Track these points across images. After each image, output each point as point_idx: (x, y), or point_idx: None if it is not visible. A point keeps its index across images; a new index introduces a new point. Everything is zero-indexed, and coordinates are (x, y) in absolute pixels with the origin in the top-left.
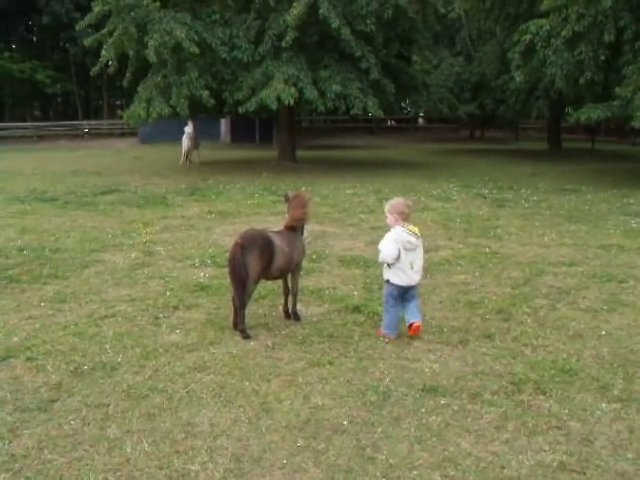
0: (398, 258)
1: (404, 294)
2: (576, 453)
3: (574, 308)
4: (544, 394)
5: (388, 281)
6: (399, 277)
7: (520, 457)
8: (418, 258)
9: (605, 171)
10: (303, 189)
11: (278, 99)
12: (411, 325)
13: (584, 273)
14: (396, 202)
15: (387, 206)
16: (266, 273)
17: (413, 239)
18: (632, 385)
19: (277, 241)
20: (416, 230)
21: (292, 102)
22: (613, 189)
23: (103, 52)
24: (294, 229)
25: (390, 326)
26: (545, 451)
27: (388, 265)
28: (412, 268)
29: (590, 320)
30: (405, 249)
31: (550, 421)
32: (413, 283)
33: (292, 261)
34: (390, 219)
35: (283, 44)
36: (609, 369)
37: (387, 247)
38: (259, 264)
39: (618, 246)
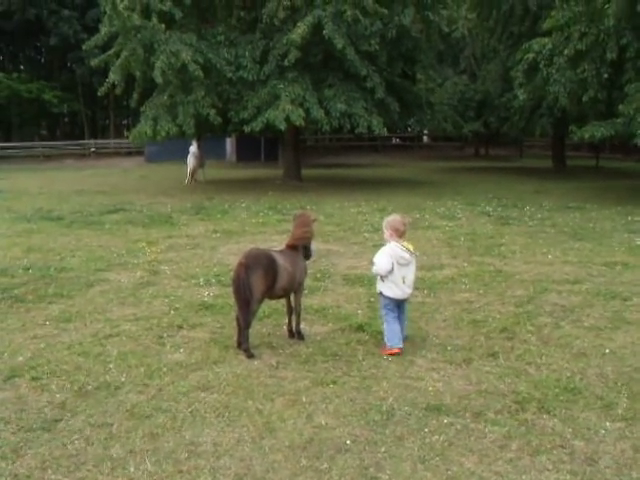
0: (391, 272)
1: (397, 307)
2: (580, 473)
3: (578, 326)
4: (548, 413)
5: (381, 293)
6: (392, 290)
7: (524, 477)
8: (410, 273)
9: (609, 188)
10: (307, 208)
11: (287, 120)
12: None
13: (588, 291)
14: (393, 219)
15: (384, 222)
16: (270, 292)
17: (407, 255)
18: (636, 404)
19: (280, 260)
20: (410, 247)
21: (302, 123)
22: (617, 206)
23: (111, 74)
24: (296, 248)
25: (393, 338)
26: (549, 470)
27: (381, 278)
28: (404, 282)
29: (594, 338)
30: (399, 264)
31: (554, 440)
32: (405, 296)
33: (295, 280)
34: (386, 234)
35: (286, 63)
36: (613, 387)
37: (381, 260)
38: (263, 283)
39: (622, 264)
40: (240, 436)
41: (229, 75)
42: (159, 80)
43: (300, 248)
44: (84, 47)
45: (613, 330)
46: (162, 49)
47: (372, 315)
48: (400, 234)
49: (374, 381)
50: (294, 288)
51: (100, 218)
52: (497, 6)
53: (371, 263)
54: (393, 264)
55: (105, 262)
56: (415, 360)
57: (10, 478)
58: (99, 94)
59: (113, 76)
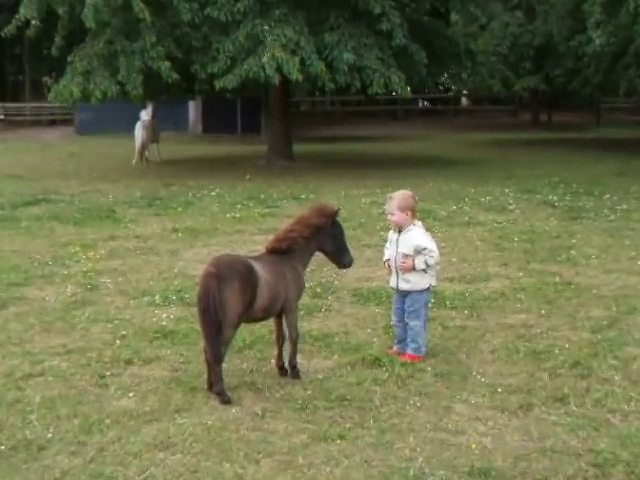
0: None
1: None
2: None
3: None
4: None
5: (429, 288)
6: (435, 278)
7: None
8: None
9: None
10: (302, 197)
11: (279, 70)
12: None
13: None
14: (403, 198)
15: (394, 203)
16: (247, 313)
17: None
18: None
19: (259, 269)
20: None
21: (299, 77)
22: None
23: (21, 9)
24: (278, 252)
25: (423, 344)
26: None
27: (425, 269)
28: None
29: None
30: None
31: None
32: None
33: (279, 296)
34: (402, 217)
35: None
36: None
37: (435, 247)
38: (240, 301)
39: None
40: None
41: (188, 17)
42: (91, 24)
43: (298, 251)
44: None
45: None
46: None
47: (392, 344)
48: (415, 213)
49: (397, 435)
50: (278, 308)
51: (14, 213)
52: None
53: (423, 252)
54: None
55: (22, 273)
56: (453, 406)
57: None
58: (3, 35)
59: (24, 11)
